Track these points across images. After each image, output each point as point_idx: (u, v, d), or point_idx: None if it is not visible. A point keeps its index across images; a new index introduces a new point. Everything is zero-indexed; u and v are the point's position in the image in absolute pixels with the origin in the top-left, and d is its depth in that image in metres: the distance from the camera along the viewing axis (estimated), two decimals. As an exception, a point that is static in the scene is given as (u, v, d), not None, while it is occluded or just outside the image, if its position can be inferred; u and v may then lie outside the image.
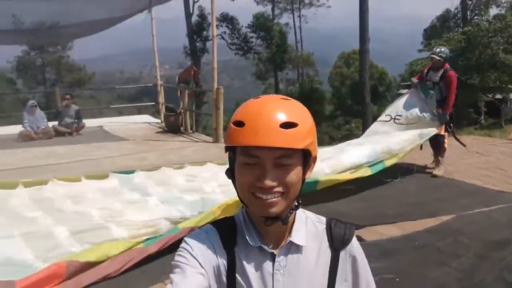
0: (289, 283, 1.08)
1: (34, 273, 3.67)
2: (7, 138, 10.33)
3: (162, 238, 4.45)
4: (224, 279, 1.07)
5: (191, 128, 10.91)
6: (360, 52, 18.32)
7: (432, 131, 6.54)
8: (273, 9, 32.41)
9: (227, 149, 1.07)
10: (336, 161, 6.11)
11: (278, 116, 0.98)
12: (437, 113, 6.55)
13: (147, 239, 4.43)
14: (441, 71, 6.52)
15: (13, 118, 12.62)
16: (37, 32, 13.34)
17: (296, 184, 1.03)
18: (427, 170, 6.84)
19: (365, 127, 17.17)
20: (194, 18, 20.90)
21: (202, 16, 21.62)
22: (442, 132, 6.59)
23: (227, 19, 21.99)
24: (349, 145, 6.88)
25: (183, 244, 1.09)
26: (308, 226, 1.14)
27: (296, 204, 1.10)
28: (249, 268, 1.07)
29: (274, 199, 1.01)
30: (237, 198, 3.61)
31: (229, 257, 1.07)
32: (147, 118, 13.65)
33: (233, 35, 22.48)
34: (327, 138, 26.64)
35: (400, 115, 6.98)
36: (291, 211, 1.08)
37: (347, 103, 34.82)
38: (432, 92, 6.61)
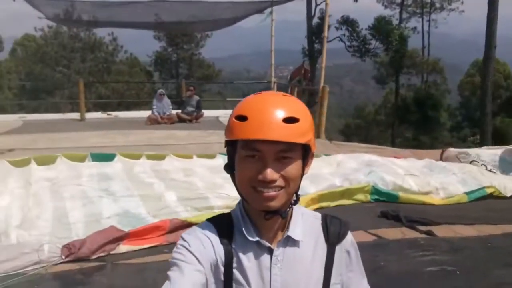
0: (286, 277, 1.10)
1: (145, 225, 4.54)
2: (138, 120, 12.14)
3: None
4: (222, 274, 1.08)
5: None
6: (484, 59, 17.44)
7: None
8: (400, 13, 31.46)
9: (227, 143, 1.09)
10: (424, 182, 6.11)
11: (281, 111, 1.00)
12: None
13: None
14: None
15: (146, 106, 14.44)
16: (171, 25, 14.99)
17: (296, 179, 1.05)
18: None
19: (483, 139, 16.15)
20: (315, 21, 21.59)
21: (323, 18, 22.15)
22: None
23: (347, 22, 22.12)
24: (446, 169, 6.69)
25: (180, 241, 1.10)
26: (304, 221, 1.15)
27: (295, 199, 1.11)
28: (247, 263, 1.09)
29: (274, 193, 1.02)
30: (325, 191, 4.28)
31: (226, 253, 1.08)
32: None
33: (352, 37, 22.53)
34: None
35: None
36: (290, 205, 1.10)
37: (476, 115, 32.44)
38: None
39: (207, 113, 13.62)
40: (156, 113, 11.94)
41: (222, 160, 6.75)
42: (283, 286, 1.09)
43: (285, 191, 1.03)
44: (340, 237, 1.17)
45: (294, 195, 1.10)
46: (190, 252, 1.05)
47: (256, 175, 1.01)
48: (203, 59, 36.50)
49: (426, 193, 5.89)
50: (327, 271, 1.14)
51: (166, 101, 12.32)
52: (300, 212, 1.16)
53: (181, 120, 12.02)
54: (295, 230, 1.11)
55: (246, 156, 1.03)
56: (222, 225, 1.12)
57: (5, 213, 4.64)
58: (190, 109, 12.24)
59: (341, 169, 6.45)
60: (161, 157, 6.90)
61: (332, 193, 5.57)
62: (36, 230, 4.42)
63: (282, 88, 13.18)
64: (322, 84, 9.66)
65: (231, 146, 1.08)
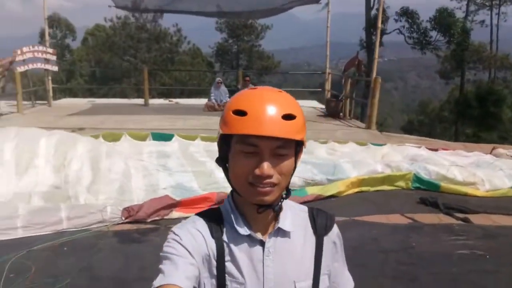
0: (278, 268, 1.11)
1: (195, 196, 5.04)
2: (197, 107, 12.83)
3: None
4: (215, 268, 1.08)
5: (349, 114, 11.62)
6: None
7: None
8: (467, 5, 30.09)
9: (220, 137, 1.08)
10: (470, 173, 6.15)
11: (280, 108, 1.01)
12: None
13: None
14: None
15: (207, 95, 15.03)
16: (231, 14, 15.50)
17: (289, 174, 1.07)
18: None
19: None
20: (373, 12, 21.24)
21: (382, 10, 21.87)
22: None
23: (407, 13, 21.60)
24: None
25: (170, 235, 1.10)
26: (293, 214, 1.17)
27: (285, 192, 1.12)
28: (239, 256, 1.09)
29: (269, 188, 1.03)
30: (366, 176, 4.66)
31: (218, 246, 1.09)
32: (314, 103, 14.79)
33: (411, 29, 21.96)
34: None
35: None
36: (281, 199, 1.11)
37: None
38: None
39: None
40: (213, 101, 12.55)
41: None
42: (276, 277, 1.11)
43: (278, 186, 1.05)
44: (327, 229, 1.19)
45: (285, 189, 1.11)
46: (182, 245, 1.05)
47: (253, 170, 1.02)
48: (263, 50, 36.90)
49: (471, 184, 5.92)
50: (317, 261, 1.16)
51: (223, 89, 12.86)
52: (288, 205, 1.17)
53: (235, 107, 12.51)
54: (285, 222, 1.13)
55: (242, 151, 1.03)
56: (212, 219, 1.12)
57: (76, 177, 5.32)
58: (246, 100, 12.70)
59: (385, 160, 6.60)
60: (214, 139, 7.30)
61: (373, 179, 5.77)
62: (102, 195, 5.04)
63: (336, 79, 13.30)
64: (374, 75, 9.73)
65: (224, 139, 1.07)
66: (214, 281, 1.08)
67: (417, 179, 5.82)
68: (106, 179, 5.24)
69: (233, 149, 1.05)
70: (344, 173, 5.83)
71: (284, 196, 1.12)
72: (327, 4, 12.83)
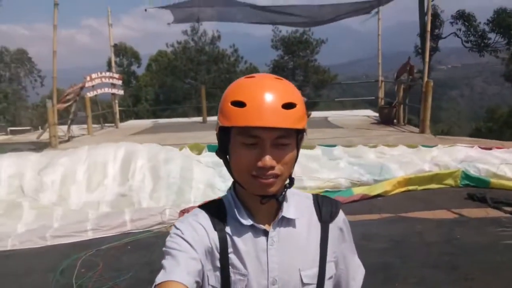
0: (283, 256, 1.09)
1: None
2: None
3: (335, 196, 5.64)
4: (218, 260, 1.07)
5: (403, 120, 11.54)
6: None
7: None
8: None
9: (219, 129, 1.05)
10: None
11: (279, 97, 0.98)
12: None
13: (326, 191, 5.70)
14: None
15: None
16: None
17: (291, 163, 1.05)
18: None
19: None
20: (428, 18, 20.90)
21: (435, 14, 21.36)
22: None
23: (463, 16, 20.95)
24: None
25: (173, 230, 1.08)
26: (297, 201, 1.15)
27: (288, 181, 1.10)
28: (242, 247, 1.08)
29: (272, 179, 1.01)
30: (412, 176, 4.93)
31: (220, 238, 1.07)
32: (368, 112, 14.81)
33: (469, 32, 21.24)
34: None
35: None
36: (285, 189, 1.09)
37: None
38: None
39: (318, 114, 14.49)
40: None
41: (320, 150, 7.36)
42: (281, 267, 1.08)
43: (281, 176, 1.03)
44: (333, 215, 1.17)
45: (288, 179, 1.09)
46: (184, 239, 1.04)
47: (255, 162, 1.00)
48: (318, 65, 37.13)
49: (522, 180, 5.82)
50: (323, 248, 1.13)
51: None
52: (291, 193, 1.15)
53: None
54: (288, 209, 1.11)
55: (243, 143, 1.00)
56: (214, 212, 1.11)
57: (139, 187, 5.88)
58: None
59: (433, 160, 6.61)
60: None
61: (420, 177, 5.83)
62: (163, 199, 5.56)
63: (389, 86, 13.29)
64: (426, 79, 9.69)
65: (224, 131, 1.05)
66: (217, 273, 1.07)
67: (466, 176, 5.82)
68: (165, 184, 5.75)
69: (233, 141, 1.03)
70: (390, 173, 5.94)
71: (287, 185, 1.10)
72: (377, 13, 12.95)
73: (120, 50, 32.56)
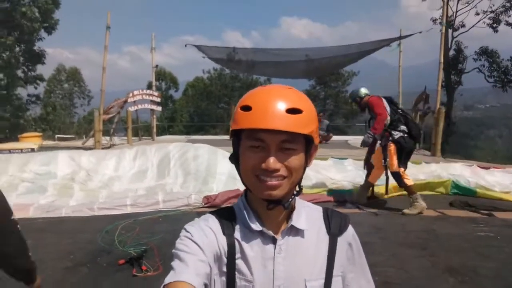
0: (290, 266, 1.09)
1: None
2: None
3: (340, 194, 6.49)
4: (225, 265, 1.08)
5: (419, 145, 12.23)
6: None
7: None
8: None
9: (232, 134, 1.08)
10: (509, 184, 6.84)
11: (284, 102, 1.01)
12: None
13: (330, 189, 6.57)
14: None
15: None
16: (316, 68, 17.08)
17: (298, 170, 1.06)
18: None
19: None
20: (451, 53, 21.68)
21: (459, 50, 22.11)
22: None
23: (487, 53, 21.59)
24: None
25: (183, 232, 1.09)
26: (307, 213, 1.16)
27: (297, 190, 1.12)
28: (250, 253, 1.08)
29: (276, 182, 1.02)
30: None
31: (229, 243, 1.08)
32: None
33: (492, 68, 21.79)
34: None
35: None
36: (292, 196, 1.10)
37: None
38: None
39: (339, 138, 15.39)
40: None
41: (332, 161, 8.24)
42: (286, 276, 1.09)
43: (287, 181, 1.04)
44: (342, 229, 1.17)
45: (297, 187, 1.11)
46: (194, 242, 1.05)
47: (260, 164, 1.02)
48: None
49: (507, 192, 6.51)
50: (330, 261, 1.13)
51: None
52: (302, 204, 1.17)
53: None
54: (298, 220, 1.12)
55: (250, 146, 1.03)
56: (224, 217, 1.12)
57: (172, 183, 6.96)
58: (320, 131, 14.02)
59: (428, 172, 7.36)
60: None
61: (414, 185, 6.58)
62: (189, 189, 6.58)
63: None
64: (438, 106, 10.47)
65: (236, 137, 1.08)
66: (223, 278, 1.07)
67: (456, 185, 6.56)
68: (194, 177, 6.80)
69: (242, 145, 1.06)
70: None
71: (295, 193, 1.11)
72: (398, 45, 13.89)
73: (160, 74, 34.53)
